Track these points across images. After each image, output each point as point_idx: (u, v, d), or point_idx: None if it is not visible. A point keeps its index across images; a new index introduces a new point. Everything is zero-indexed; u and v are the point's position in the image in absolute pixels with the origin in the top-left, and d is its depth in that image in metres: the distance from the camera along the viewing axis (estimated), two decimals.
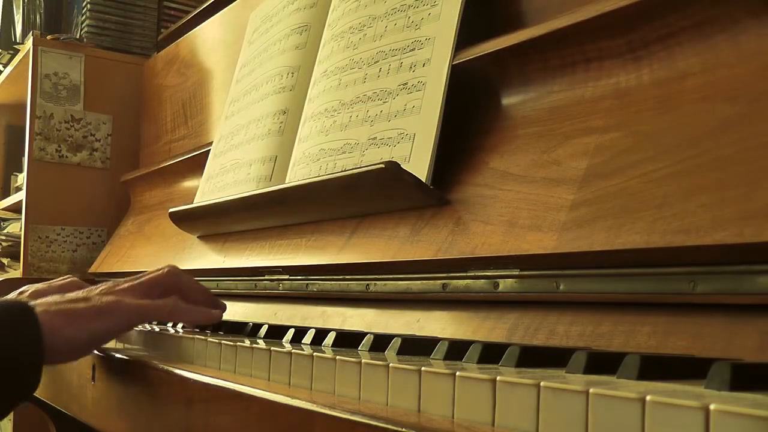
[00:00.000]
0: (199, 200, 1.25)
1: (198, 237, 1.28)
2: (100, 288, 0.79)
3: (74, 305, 0.73)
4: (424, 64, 0.84)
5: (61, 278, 0.93)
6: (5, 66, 2.33)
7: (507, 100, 0.78)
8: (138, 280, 0.80)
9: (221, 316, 0.84)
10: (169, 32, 1.91)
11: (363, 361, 0.50)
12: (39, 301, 0.73)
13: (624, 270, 0.57)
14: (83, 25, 2.03)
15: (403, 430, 0.41)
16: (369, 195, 0.83)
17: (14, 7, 2.40)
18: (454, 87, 0.80)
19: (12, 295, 0.89)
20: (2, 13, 2.46)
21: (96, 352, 0.84)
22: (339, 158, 0.91)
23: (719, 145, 0.55)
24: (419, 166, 0.78)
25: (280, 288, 0.97)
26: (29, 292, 0.90)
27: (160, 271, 0.82)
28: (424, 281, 0.75)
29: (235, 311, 1.01)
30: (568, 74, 0.71)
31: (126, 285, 0.79)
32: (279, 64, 1.15)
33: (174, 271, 0.83)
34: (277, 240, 1.02)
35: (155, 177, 1.64)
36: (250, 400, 0.56)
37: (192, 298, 0.83)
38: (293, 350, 0.59)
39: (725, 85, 0.58)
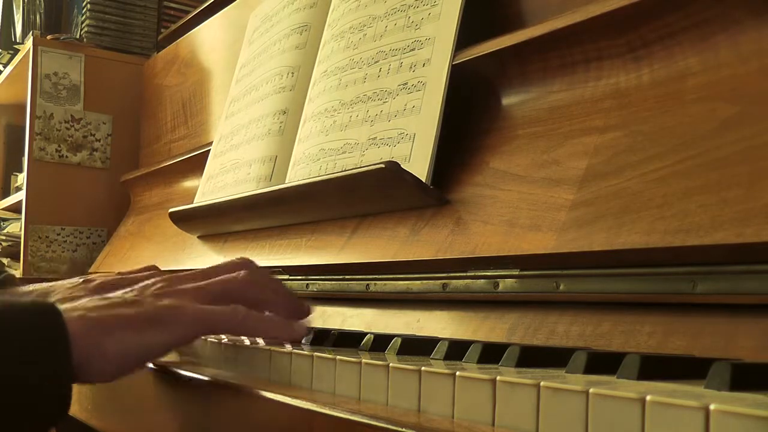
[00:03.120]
0: (199, 200, 1.25)
1: (198, 237, 1.28)
2: (156, 285, 0.62)
3: (120, 311, 0.57)
4: (424, 64, 0.84)
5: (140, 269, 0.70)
6: (5, 66, 2.33)
7: (507, 100, 0.78)
8: (204, 281, 0.64)
9: (305, 333, 0.65)
10: (169, 32, 1.91)
11: (363, 361, 0.50)
12: (72, 305, 0.57)
13: (624, 270, 0.57)
14: (83, 25, 2.03)
15: (403, 430, 0.41)
16: (369, 195, 0.83)
17: (14, 7, 2.40)
18: (454, 87, 0.80)
19: (71, 282, 0.70)
20: (2, 13, 2.46)
21: None
22: (339, 158, 0.91)
23: (719, 145, 0.55)
24: (419, 166, 0.78)
25: None
26: (96, 282, 0.70)
27: (234, 274, 0.65)
28: (424, 281, 0.75)
29: None
30: (568, 74, 0.71)
31: (189, 286, 0.63)
32: (279, 64, 1.15)
33: (249, 279, 0.65)
34: (277, 240, 1.02)
35: (155, 177, 1.64)
36: (250, 400, 0.56)
37: (270, 302, 0.66)
38: (293, 350, 0.59)
39: (725, 85, 0.58)
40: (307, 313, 0.69)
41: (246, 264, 0.68)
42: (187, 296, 0.61)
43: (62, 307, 0.55)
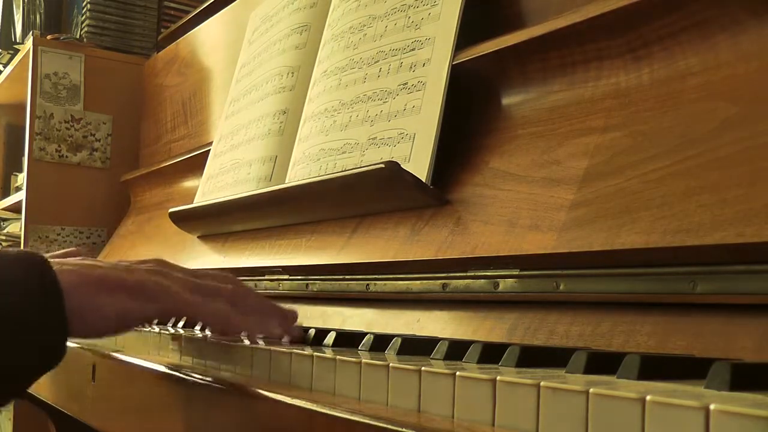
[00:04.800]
0: (199, 200, 1.25)
1: (198, 237, 1.28)
2: (149, 264, 0.65)
3: (111, 273, 0.60)
4: (424, 64, 0.84)
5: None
6: (5, 66, 2.33)
7: (507, 100, 0.78)
8: (197, 278, 0.67)
9: (281, 332, 0.68)
10: (169, 32, 1.91)
11: (363, 361, 0.50)
12: (67, 260, 0.60)
13: (624, 270, 0.57)
14: (83, 25, 2.03)
15: (403, 430, 0.41)
16: (369, 195, 0.83)
17: (14, 7, 2.40)
18: (454, 87, 0.80)
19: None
20: (2, 13, 2.46)
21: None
22: (339, 158, 0.91)
23: (719, 145, 0.55)
24: (419, 166, 0.78)
25: (280, 288, 0.97)
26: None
27: (227, 284, 0.68)
28: (424, 281, 0.75)
29: None
30: (568, 74, 0.71)
31: (181, 274, 0.66)
32: (279, 64, 1.15)
33: (239, 289, 0.69)
34: (277, 240, 1.02)
35: (155, 177, 1.64)
36: (250, 400, 0.56)
37: (256, 310, 0.69)
38: (293, 350, 0.59)
39: (725, 85, 0.58)
40: (294, 318, 0.71)
41: (233, 279, 0.71)
42: (177, 283, 0.64)
43: (53, 260, 0.56)
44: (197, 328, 0.90)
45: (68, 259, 0.61)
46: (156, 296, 0.62)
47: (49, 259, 0.56)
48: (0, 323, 0.52)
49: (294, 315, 0.71)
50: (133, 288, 0.61)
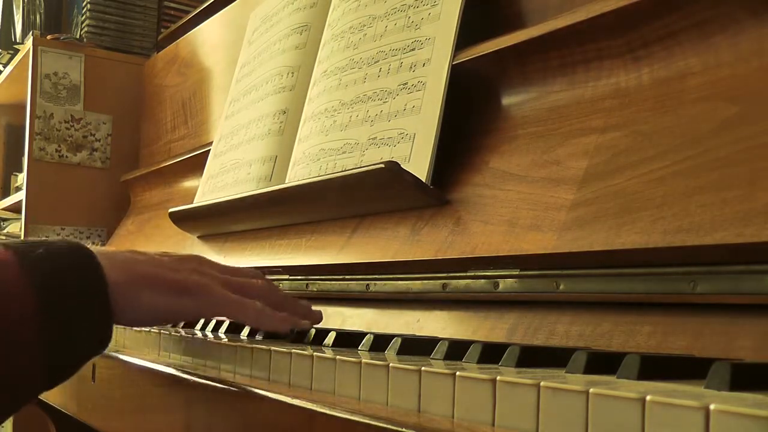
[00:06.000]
0: (199, 200, 1.25)
1: (198, 237, 1.28)
2: (191, 264, 0.70)
3: (158, 271, 0.66)
4: (424, 64, 0.84)
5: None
6: (5, 66, 2.33)
7: (507, 100, 0.78)
8: (234, 275, 0.72)
9: (310, 326, 0.72)
10: (169, 32, 1.91)
11: (363, 361, 0.50)
12: (112, 250, 0.64)
13: (624, 270, 0.57)
14: (83, 25, 2.03)
15: (403, 430, 0.41)
16: (369, 195, 0.83)
17: (14, 7, 2.40)
18: (454, 87, 0.80)
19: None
20: (2, 13, 2.46)
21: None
22: (339, 158, 0.91)
23: (719, 145, 0.55)
24: (419, 166, 0.78)
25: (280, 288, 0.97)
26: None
27: (254, 280, 0.73)
28: (424, 281, 0.75)
29: None
30: (568, 74, 0.71)
31: (218, 272, 0.71)
32: (279, 64, 1.15)
33: (268, 286, 0.73)
34: (277, 240, 1.02)
35: (155, 177, 1.64)
36: (250, 400, 0.56)
37: (282, 307, 0.73)
38: (293, 350, 0.59)
39: (725, 85, 0.58)
40: (318, 319, 0.75)
41: (261, 275, 0.77)
42: (216, 281, 0.69)
43: (102, 250, 0.62)
44: (197, 327, 0.90)
45: (117, 251, 0.65)
46: (198, 295, 0.66)
47: (97, 255, 0.61)
48: (57, 316, 0.56)
49: (318, 316, 0.75)
50: (174, 285, 0.65)
